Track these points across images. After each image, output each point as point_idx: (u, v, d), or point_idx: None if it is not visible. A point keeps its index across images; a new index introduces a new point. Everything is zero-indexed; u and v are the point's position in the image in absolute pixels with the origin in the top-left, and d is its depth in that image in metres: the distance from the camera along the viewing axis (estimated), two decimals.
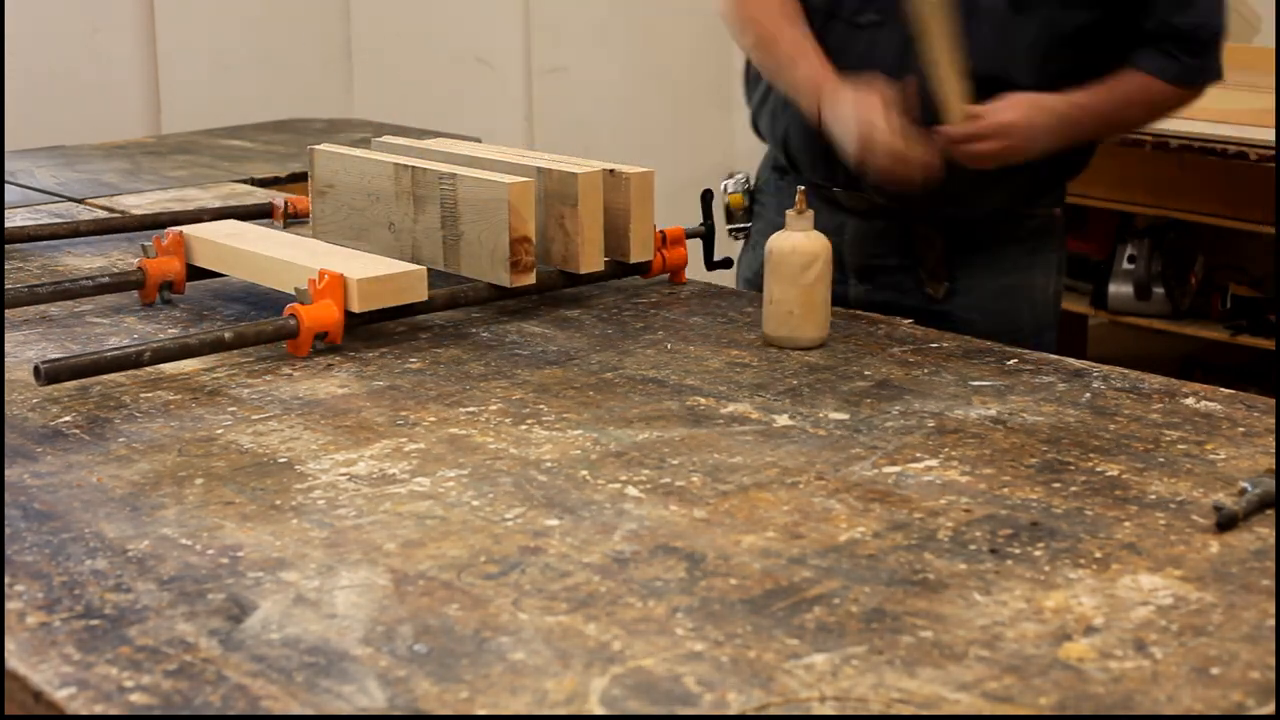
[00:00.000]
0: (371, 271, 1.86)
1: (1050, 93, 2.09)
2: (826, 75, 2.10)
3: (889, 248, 2.24)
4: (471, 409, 1.63)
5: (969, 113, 2.04)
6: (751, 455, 1.50)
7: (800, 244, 1.83)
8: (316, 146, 2.21)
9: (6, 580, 1.23)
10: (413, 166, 2.06)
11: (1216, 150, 3.49)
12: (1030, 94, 2.07)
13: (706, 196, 2.20)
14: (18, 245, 2.34)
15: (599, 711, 1.03)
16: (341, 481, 1.44)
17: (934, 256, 2.22)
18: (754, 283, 2.23)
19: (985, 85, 2.06)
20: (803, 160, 2.25)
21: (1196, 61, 2.15)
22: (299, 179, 3.12)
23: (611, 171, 2.02)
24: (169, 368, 1.75)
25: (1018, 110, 2.05)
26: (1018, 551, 1.27)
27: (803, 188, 1.89)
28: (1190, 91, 2.19)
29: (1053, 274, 2.29)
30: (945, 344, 1.86)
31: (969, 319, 2.17)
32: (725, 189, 2.39)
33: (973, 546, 1.28)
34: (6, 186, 2.83)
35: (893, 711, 1.03)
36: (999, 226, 2.24)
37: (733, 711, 1.03)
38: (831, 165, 2.17)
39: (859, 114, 2.01)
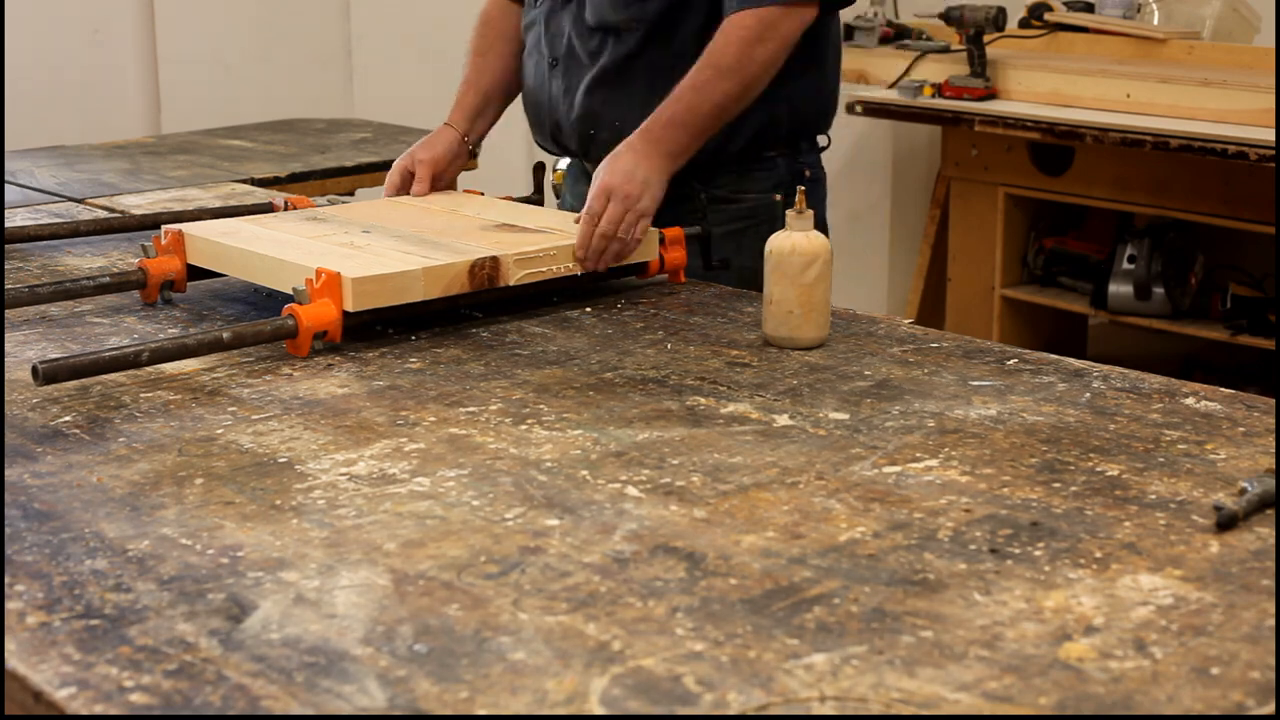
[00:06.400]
0: (367, 270, 1.85)
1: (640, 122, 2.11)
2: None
3: None
4: (471, 409, 1.63)
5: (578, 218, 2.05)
6: (751, 455, 1.50)
7: (800, 244, 1.83)
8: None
9: (6, 580, 1.23)
10: None
11: (1216, 150, 3.49)
12: (616, 148, 2.08)
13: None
14: (18, 245, 2.34)
15: (599, 711, 1.03)
16: (341, 481, 1.44)
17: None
18: None
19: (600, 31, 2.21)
20: (566, 136, 2.35)
21: None
22: (299, 179, 3.13)
23: None
24: (169, 368, 1.75)
25: (602, 178, 2.04)
26: (1018, 551, 1.27)
27: (802, 188, 1.89)
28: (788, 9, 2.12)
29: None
30: (945, 344, 1.86)
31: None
32: (554, 167, 2.52)
33: (973, 546, 1.28)
34: (6, 186, 2.84)
35: (893, 711, 1.03)
36: (708, 210, 2.22)
37: (733, 711, 1.03)
38: (585, 143, 2.29)
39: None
